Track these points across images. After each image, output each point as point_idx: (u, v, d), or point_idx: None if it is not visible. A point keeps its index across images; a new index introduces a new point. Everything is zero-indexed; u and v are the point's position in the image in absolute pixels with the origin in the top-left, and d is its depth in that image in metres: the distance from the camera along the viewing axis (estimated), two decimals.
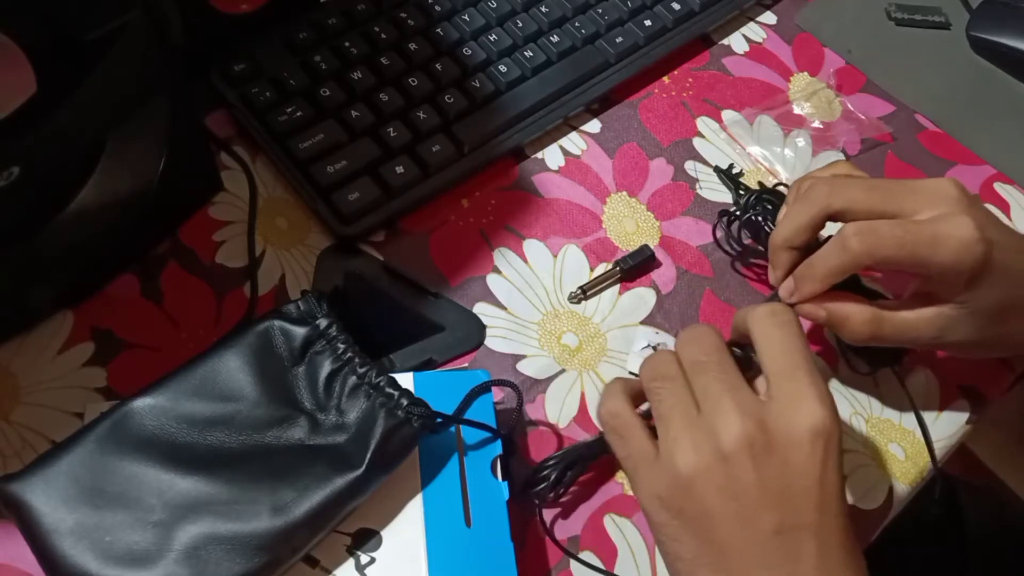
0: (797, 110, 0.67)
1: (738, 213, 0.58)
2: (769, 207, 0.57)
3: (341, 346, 0.46)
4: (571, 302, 0.58)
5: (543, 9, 0.66)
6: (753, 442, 0.39)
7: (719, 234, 0.60)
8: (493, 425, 0.48)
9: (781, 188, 0.60)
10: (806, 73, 0.70)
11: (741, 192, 0.62)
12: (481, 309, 0.56)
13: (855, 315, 0.48)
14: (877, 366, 0.56)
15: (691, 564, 0.41)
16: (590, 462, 0.51)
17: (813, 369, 0.41)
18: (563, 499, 0.51)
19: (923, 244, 0.45)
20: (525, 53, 0.64)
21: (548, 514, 0.50)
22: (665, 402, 0.42)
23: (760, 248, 0.58)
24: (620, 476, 0.52)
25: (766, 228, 0.56)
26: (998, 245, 0.45)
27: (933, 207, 0.46)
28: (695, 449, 0.40)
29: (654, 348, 0.56)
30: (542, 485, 0.49)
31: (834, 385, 0.56)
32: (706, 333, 0.44)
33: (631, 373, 0.55)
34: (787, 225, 0.49)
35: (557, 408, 0.54)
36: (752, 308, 0.45)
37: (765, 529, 0.39)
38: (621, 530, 0.51)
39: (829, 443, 0.40)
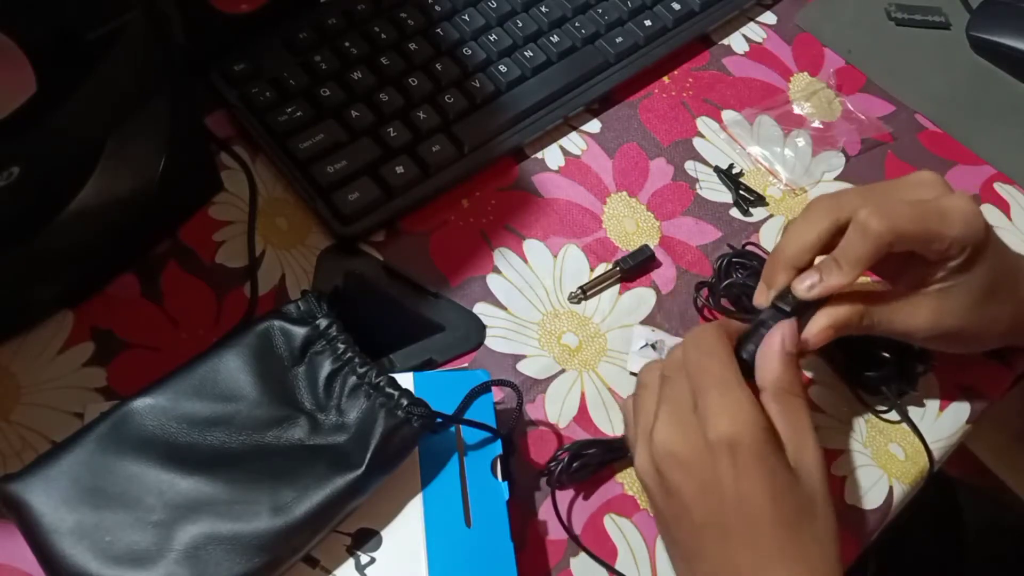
0: (797, 110, 0.67)
1: (714, 282, 0.58)
2: (743, 271, 0.57)
3: (341, 346, 0.46)
4: (571, 302, 0.58)
5: (543, 9, 0.66)
6: (674, 452, 0.43)
7: (699, 304, 0.58)
8: (493, 425, 0.48)
9: (750, 247, 0.59)
10: (806, 73, 0.70)
11: (742, 193, 0.62)
12: (481, 309, 0.56)
13: (853, 315, 0.48)
14: (895, 392, 0.55)
15: (664, 540, 0.49)
16: (604, 456, 0.51)
17: (722, 383, 0.43)
18: (576, 484, 0.51)
19: (934, 217, 0.46)
20: (525, 53, 0.64)
21: (547, 513, 0.50)
22: (638, 404, 0.47)
23: (742, 314, 0.56)
24: (620, 476, 0.52)
25: (748, 294, 0.55)
26: (988, 224, 0.48)
27: (926, 193, 0.48)
28: (641, 455, 0.45)
29: (652, 347, 0.56)
30: (553, 464, 0.50)
31: (835, 385, 0.56)
32: (698, 341, 0.46)
33: (632, 374, 0.55)
34: (849, 266, 0.47)
35: (557, 408, 0.54)
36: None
37: (696, 524, 0.43)
38: (621, 530, 0.51)
39: (736, 454, 0.42)
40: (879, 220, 0.46)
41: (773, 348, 0.46)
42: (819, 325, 0.47)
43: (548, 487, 0.50)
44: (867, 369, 0.55)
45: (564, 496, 0.51)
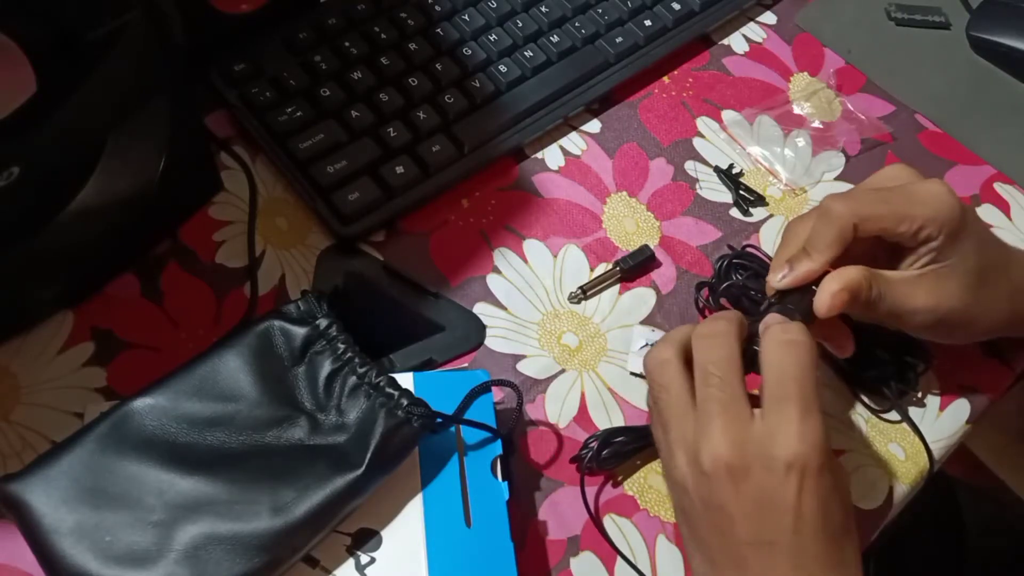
0: (797, 110, 0.67)
1: (714, 283, 0.58)
2: (743, 272, 0.57)
3: (341, 346, 0.46)
4: (571, 302, 0.58)
5: (543, 9, 0.66)
6: (731, 464, 0.41)
7: (700, 305, 0.58)
8: (493, 425, 0.48)
9: (750, 249, 0.59)
10: (806, 73, 0.70)
11: (742, 193, 0.62)
12: (481, 309, 0.56)
13: (860, 275, 0.47)
14: (895, 392, 0.55)
15: (687, 541, 0.46)
16: (635, 444, 0.52)
17: (805, 401, 0.42)
18: (606, 471, 0.52)
19: (899, 199, 0.48)
20: (525, 53, 0.64)
21: (547, 513, 0.50)
22: (666, 410, 0.45)
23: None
24: (620, 476, 0.52)
25: (748, 295, 0.56)
26: (965, 205, 0.49)
27: (896, 182, 0.50)
28: (685, 463, 0.43)
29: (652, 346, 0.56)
30: (583, 451, 0.51)
31: (835, 385, 0.56)
32: (723, 337, 0.44)
33: (632, 374, 0.55)
34: (816, 251, 0.48)
35: (557, 408, 0.54)
36: (768, 324, 0.45)
37: (740, 539, 0.42)
38: (621, 530, 0.51)
39: (805, 476, 0.41)
40: (842, 203, 0.48)
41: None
42: (830, 289, 0.47)
43: (578, 473, 0.51)
44: (866, 369, 0.55)
45: (564, 494, 0.51)
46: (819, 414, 0.42)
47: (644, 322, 0.57)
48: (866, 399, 0.56)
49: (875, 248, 0.50)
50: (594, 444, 0.51)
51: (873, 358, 0.55)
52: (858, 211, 0.47)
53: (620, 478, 0.52)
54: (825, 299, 0.47)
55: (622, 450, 0.51)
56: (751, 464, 0.41)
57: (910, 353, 0.55)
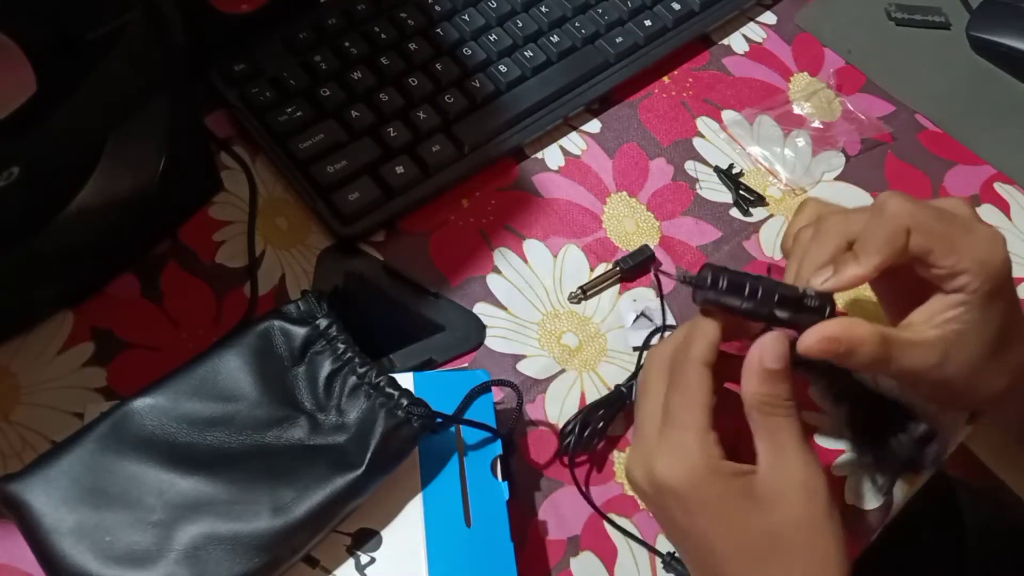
0: (797, 110, 0.67)
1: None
2: None
3: (341, 346, 0.46)
4: (571, 302, 0.58)
5: (543, 9, 0.66)
6: (636, 484, 0.43)
7: None
8: (493, 425, 0.48)
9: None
10: (806, 73, 0.70)
11: (742, 193, 0.62)
12: (481, 309, 0.56)
13: (868, 337, 0.43)
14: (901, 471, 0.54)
15: None
16: (610, 412, 0.52)
17: (667, 425, 0.42)
18: (591, 452, 0.52)
19: (958, 225, 0.44)
20: (525, 53, 0.64)
21: (547, 513, 0.50)
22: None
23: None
24: (620, 476, 0.52)
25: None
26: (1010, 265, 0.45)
27: (958, 212, 0.46)
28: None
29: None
30: (568, 440, 0.51)
31: None
32: (674, 386, 0.43)
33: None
34: (865, 255, 0.43)
35: (557, 408, 0.54)
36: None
37: (676, 544, 0.44)
38: (621, 529, 0.51)
39: (682, 498, 0.40)
40: (899, 201, 0.43)
41: (751, 365, 0.42)
42: (822, 332, 0.42)
43: (566, 457, 0.52)
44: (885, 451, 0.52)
45: (564, 494, 0.51)
46: (685, 431, 0.40)
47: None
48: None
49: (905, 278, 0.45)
50: (574, 429, 0.51)
51: (887, 441, 0.52)
52: (916, 216, 0.42)
53: (620, 479, 0.52)
54: (810, 340, 0.42)
55: (601, 425, 0.52)
56: (644, 487, 0.42)
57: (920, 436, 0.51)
